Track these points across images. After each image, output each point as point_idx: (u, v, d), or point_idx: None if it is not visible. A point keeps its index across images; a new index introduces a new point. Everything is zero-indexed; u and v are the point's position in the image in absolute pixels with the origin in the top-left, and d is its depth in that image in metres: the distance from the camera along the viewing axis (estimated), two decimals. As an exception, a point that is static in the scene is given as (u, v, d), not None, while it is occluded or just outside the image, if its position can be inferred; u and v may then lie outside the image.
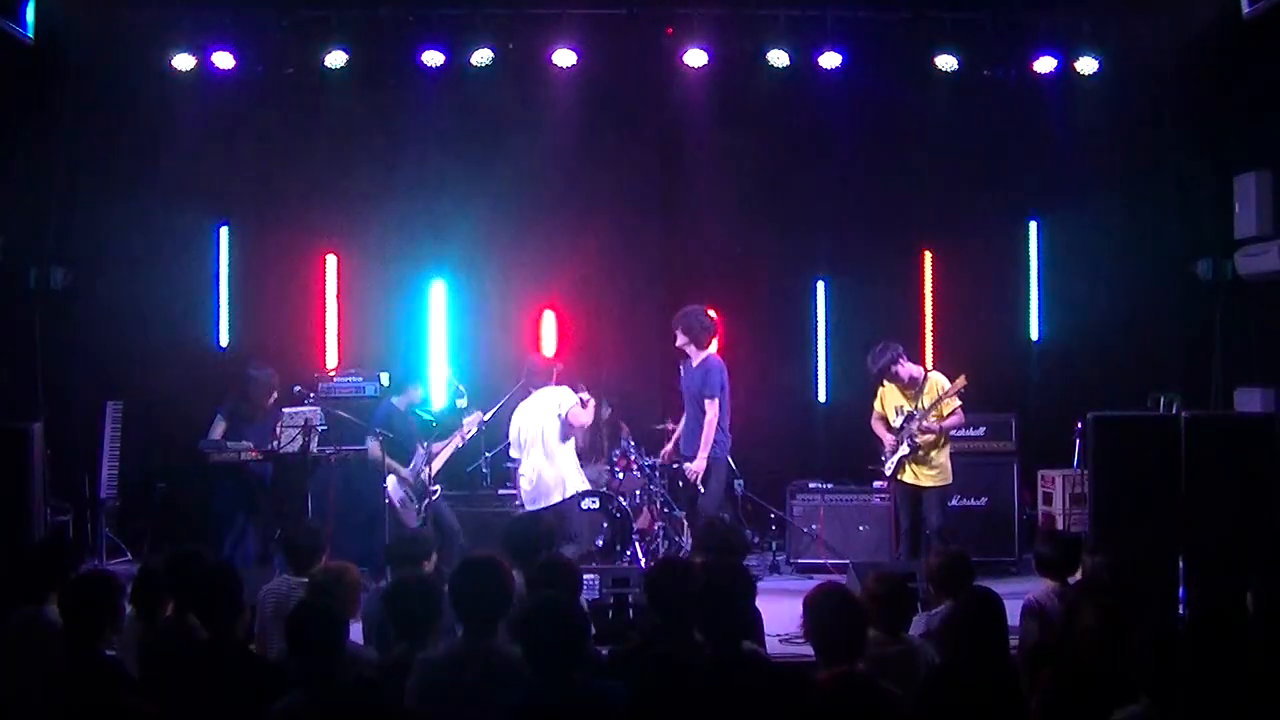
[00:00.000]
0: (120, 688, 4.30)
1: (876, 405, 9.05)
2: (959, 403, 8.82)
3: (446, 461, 9.44)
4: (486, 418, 9.52)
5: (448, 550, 8.99)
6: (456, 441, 9.38)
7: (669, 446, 9.80)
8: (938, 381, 8.87)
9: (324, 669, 4.24)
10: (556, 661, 4.18)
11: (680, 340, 9.25)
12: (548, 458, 9.12)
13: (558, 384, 9.25)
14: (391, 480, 9.05)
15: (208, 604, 4.84)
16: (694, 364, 9.25)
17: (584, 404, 9.05)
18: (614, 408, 10.34)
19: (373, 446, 9.17)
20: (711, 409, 9.06)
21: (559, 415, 9.09)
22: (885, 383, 8.99)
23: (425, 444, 9.23)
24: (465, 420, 9.37)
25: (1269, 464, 7.73)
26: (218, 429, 9.43)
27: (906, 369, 8.89)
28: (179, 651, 4.84)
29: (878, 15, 10.52)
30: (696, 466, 9.06)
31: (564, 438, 9.14)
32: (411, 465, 9.16)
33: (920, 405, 8.81)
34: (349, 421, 9.37)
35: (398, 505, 9.03)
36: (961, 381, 8.75)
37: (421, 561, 5.99)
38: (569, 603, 4.46)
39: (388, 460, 9.05)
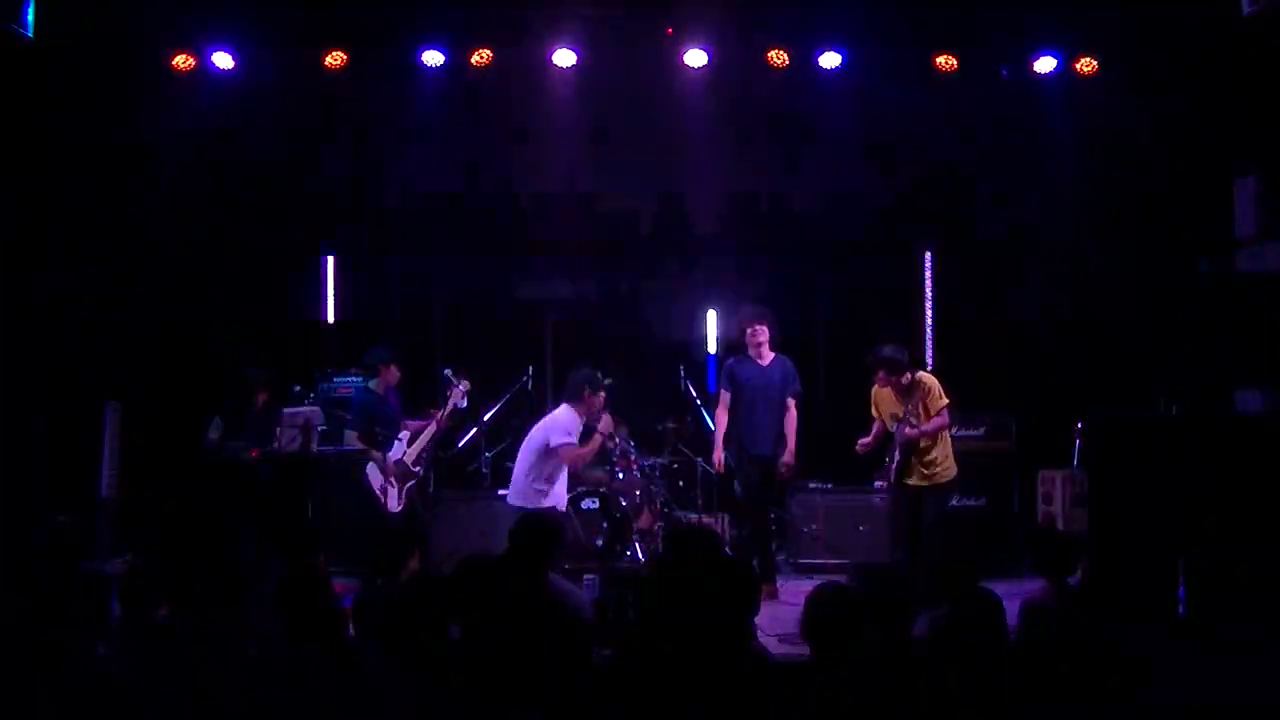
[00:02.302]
0: (115, 688, 4.30)
1: (873, 412, 9.01)
2: (946, 402, 8.76)
3: (448, 454, 9.39)
4: (487, 418, 9.50)
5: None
6: (440, 418, 9.20)
7: (719, 454, 9.32)
8: (929, 384, 8.82)
9: (326, 665, 4.23)
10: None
11: (763, 336, 9.15)
12: (521, 462, 8.73)
13: (585, 416, 8.75)
14: (370, 468, 9.07)
15: (206, 604, 4.83)
16: (764, 363, 9.19)
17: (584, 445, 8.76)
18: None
19: (350, 437, 9.16)
20: (795, 407, 9.12)
21: (548, 442, 8.61)
22: (878, 387, 8.93)
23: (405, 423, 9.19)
24: (448, 392, 9.17)
25: (1269, 464, 7.73)
26: (216, 430, 9.44)
27: (907, 376, 8.84)
28: (176, 651, 4.84)
29: (877, 15, 10.54)
30: (791, 460, 9.10)
31: (537, 465, 8.63)
32: (392, 450, 9.14)
33: (912, 408, 8.76)
34: (349, 422, 9.38)
35: (377, 492, 9.04)
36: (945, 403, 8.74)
37: (407, 564, 5.91)
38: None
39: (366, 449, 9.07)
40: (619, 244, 11.46)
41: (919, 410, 8.65)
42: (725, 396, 9.19)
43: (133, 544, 10.29)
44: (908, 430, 8.64)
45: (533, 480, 8.60)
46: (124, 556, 10.18)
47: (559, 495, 8.78)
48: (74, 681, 4.37)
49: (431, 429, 9.22)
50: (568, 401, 8.73)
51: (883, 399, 8.90)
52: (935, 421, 8.69)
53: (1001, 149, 11.23)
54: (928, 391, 8.69)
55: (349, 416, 9.24)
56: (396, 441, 9.16)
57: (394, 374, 9.37)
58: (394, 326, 11.33)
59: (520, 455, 8.77)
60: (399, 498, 9.09)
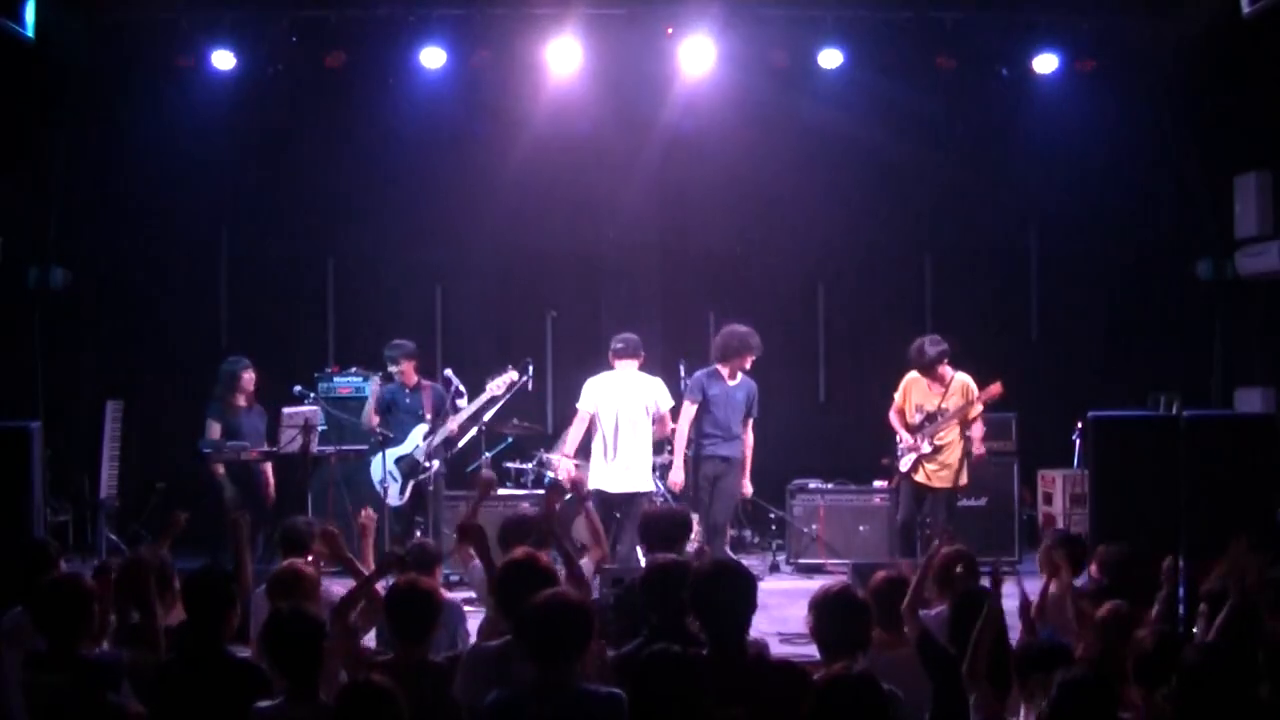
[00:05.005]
0: (103, 689, 4.29)
1: (897, 397, 8.97)
2: (981, 410, 8.79)
3: (449, 453, 9.36)
4: (487, 417, 9.42)
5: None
6: (479, 404, 9.16)
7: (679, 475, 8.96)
8: (965, 384, 8.81)
9: (306, 674, 4.22)
10: (557, 661, 4.14)
11: (716, 363, 8.96)
12: (631, 439, 8.63)
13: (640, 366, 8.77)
14: (375, 461, 9.09)
15: (197, 605, 4.80)
16: (733, 382, 8.96)
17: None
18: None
19: (366, 414, 9.25)
20: (751, 430, 8.98)
21: (649, 410, 8.67)
22: (917, 375, 8.91)
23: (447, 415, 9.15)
24: (491, 383, 9.12)
25: (1269, 464, 7.73)
26: (213, 430, 9.42)
27: (946, 368, 8.85)
28: (163, 654, 4.83)
29: (877, 15, 10.53)
30: (748, 491, 9.10)
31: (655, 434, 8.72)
32: (410, 444, 9.13)
33: (944, 407, 8.76)
34: (349, 421, 9.37)
35: (376, 485, 9.07)
36: (996, 390, 8.70)
37: (433, 569, 5.92)
38: (574, 601, 4.31)
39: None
40: (618, 244, 11.45)
41: (959, 414, 8.65)
42: (691, 410, 8.96)
43: (132, 544, 10.30)
44: (942, 426, 8.70)
45: (651, 457, 8.74)
46: (124, 556, 10.20)
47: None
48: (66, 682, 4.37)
49: (467, 413, 9.12)
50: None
51: (915, 388, 8.89)
52: (976, 429, 8.84)
53: (1000, 149, 11.23)
54: (968, 399, 8.70)
55: (371, 399, 9.40)
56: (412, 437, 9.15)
57: (409, 370, 9.27)
58: (396, 325, 11.32)
59: (623, 433, 8.62)
60: (400, 493, 9.09)
